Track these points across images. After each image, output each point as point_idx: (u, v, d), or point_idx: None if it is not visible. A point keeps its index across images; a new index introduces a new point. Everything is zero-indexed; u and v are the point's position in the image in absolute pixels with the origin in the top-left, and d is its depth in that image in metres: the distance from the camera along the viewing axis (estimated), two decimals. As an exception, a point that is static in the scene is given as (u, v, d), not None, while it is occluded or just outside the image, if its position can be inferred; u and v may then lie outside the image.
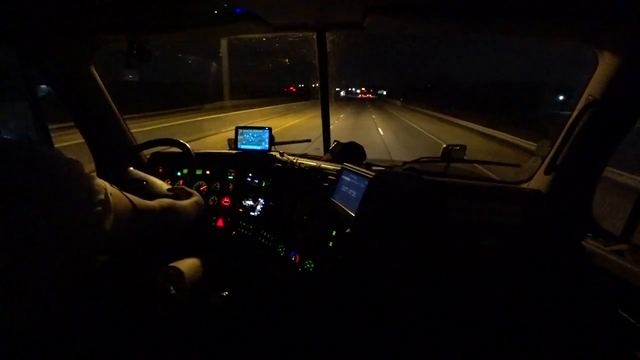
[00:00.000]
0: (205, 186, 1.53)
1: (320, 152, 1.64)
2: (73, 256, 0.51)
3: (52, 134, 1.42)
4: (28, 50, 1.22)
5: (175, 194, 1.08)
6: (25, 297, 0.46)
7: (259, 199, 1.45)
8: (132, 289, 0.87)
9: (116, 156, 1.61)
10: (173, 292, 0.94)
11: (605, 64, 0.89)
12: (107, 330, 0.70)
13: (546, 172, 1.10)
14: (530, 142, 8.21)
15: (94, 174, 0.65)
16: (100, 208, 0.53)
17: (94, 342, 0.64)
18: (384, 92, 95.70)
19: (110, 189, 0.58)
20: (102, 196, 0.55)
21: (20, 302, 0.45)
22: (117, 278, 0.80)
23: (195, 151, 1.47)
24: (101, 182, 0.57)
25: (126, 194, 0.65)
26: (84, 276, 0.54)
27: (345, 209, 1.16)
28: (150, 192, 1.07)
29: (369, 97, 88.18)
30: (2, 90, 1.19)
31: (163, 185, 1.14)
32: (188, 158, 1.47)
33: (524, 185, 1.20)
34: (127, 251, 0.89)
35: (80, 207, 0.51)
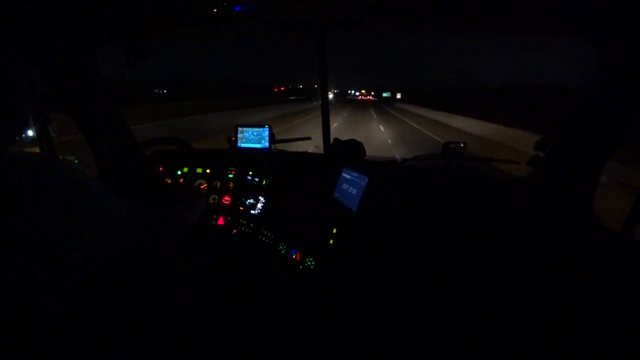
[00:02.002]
0: (205, 184, 1.54)
1: (321, 150, 1.64)
2: (82, 266, 0.51)
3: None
4: (29, 50, 1.23)
5: (178, 195, 1.08)
6: (31, 298, 0.46)
7: (260, 197, 1.45)
8: (134, 289, 0.87)
9: (117, 155, 1.61)
10: None
11: (605, 62, 0.89)
12: (111, 332, 0.70)
13: (547, 169, 1.10)
14: None
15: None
16: (109, 222, 0.55)
17: (98, 344, 0.64)
18: (398, 95, 75.20)
19: (123, 204, 0.59)
20: (112, 211, 0.56)
21: (25, 303, 0.46)
22: (118, 278, 0.80)
23: (195, 150, 1.47)
24: (116, 199, 0.58)
25: (135, 205, 0.65)
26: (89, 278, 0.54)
27: (346, 206, 1.16)
28: (154, 193, 1.08)
29: (369, 100, 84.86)
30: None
31: (166, 185, 1.14)
32: (188, 156, 1.47)
33: (525, 182, 1.20)
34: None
35: (89, 221, 0.51)
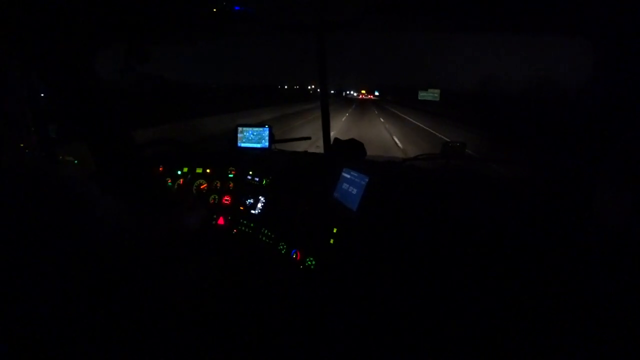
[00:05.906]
0: (205, 185, 1.54)
1: (321, 150, 1.64)
2: (79, 266, 0.52)
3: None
4: (28, 51, 1.22)
5: (178, 199, 1.08)
6: (30, 294, 0.46)
7: (260, 197, 1.45)
8: (131, 289, 0.87)
9: (116, 156, 1.61)
10: None
11: (603, 61, 0.90)
12: (110, 332, 0.71)
13: (546, 168, 1.10)
14: None
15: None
16: (106, 223, 0.55)
17: (96, 344, 0.64)
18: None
19: (121, 205, 0.60)
20: (110, 212, 0.56)
21: (25, 300, 0.46)
22: (115, 278, 0.80)
23: (195, 150, 1.48)
24: (113, 200, 0.58)
25: (132, 206, 0.66)
26: (88, 278, 0.55)
27: (346, 206, 1.16)
28: (151, 195, 1.08)
29: (370, 99, 73.79)
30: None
31: (165, 187, 1.14)
32: (188, 157, 1.47)
33: (524, 181, 1.20)
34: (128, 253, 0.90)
35: (86, 222, 0.52)
